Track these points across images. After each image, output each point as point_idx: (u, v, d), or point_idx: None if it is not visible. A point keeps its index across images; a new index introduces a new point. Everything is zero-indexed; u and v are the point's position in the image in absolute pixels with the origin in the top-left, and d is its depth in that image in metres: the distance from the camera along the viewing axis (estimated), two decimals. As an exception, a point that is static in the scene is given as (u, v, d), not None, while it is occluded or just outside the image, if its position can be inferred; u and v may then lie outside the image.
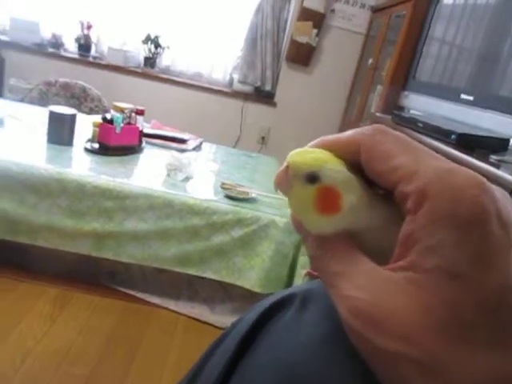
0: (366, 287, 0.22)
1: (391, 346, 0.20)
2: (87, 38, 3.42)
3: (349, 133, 0.26)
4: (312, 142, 0.27)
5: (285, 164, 0.25)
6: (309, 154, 0.25)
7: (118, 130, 1.93)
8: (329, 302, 0.25)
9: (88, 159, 1.93)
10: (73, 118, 1.95)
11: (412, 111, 2.45)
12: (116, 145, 1.97)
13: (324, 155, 0.26)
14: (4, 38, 3.31)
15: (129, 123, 2.01)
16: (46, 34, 3.40)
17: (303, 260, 1.74)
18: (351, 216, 0.25)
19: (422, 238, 0.21)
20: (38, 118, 2.17)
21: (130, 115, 2.01)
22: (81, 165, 1.87)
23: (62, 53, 3.39)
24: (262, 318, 0.33)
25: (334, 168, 0.25)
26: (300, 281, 1.73)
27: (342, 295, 0.22)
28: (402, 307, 0.20)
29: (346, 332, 0.23)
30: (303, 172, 0.25)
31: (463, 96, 1.96)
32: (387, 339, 0.20)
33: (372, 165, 0.24)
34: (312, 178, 0.25)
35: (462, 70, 2.12)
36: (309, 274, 0.35)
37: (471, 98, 1.91)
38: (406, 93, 2.54)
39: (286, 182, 0.25)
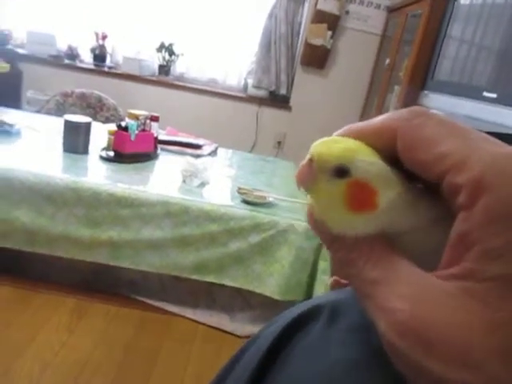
0: (413, 298, 0.18)
1: (450, 372, 0.16)
2: (102, 48, 3.45)
3: (381, 117, 0.22)
4: (338, 131, 0.23)
5: (308, 156, 0.22)
6: (336, 144, 0.22)
7: (132, 138, 1.91)
8: (361, 316, 0.21)
9: (103, 167, 1.92)
10: (88, 126, 1.94)
11: (433, 111, 2.39)
12: (131, 152, 1.96)
13: (354, 145, 0.22)
14: (21, 51, 3.36)
15: (143, 130, 2.00)
16: (61, 45, 3.43)
17: (324, 265, 1.69)
18: (389, 215, 0.21)
19: (481, 240, 0.17)
20: (54, 128, 2.17)
21: (145, 122, 2.00)
22: (96, 173, 1.86)
23: (78, 64, 3.42)
24: (286, 332, 0.29)
25: (366, 159, 0.21)
26: (321, 287, 1.67)
27: (382, 307, 0.18)
28: (459, 325, 0.17)
29: (383, 356, 0.19)
30: (331, 165, 0.21)
31: (486, 94, 1.89)
32: (444, 364, 0.16)
33: (412, 154, 0.20)
34: (341, 171, 0.21)
35: (483, 67, 2.06)
36: (335, 284, 0.30)
37: (494, 95, 1.85)
38: (426, 92, 2.48)
39: (310, 176, 0.21)
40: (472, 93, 1.99)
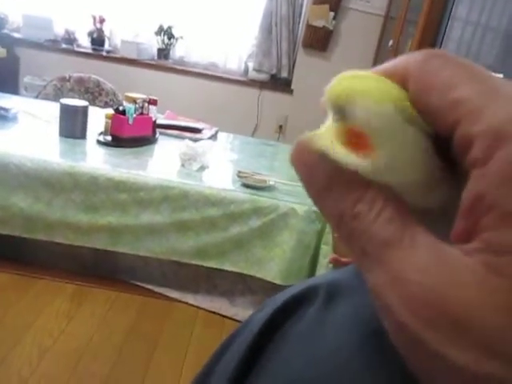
0: (433, 269, 0.14)
1: (474, 362, 0.14)
2: (100, 32, 3.39)
3: (398, 59, 0.19)
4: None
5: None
6: (351, 80, 0.19)
7: (130, 121, 1.88)
8: (361, 297, 0.18)
9: (101, 152, 1.89)
10: (85, 109, 1.91)
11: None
12: (129, 136, 1.92)
13: (374, 84, 0.18)
14: (17, 35, 3.30)
15: (141, 113, 1.96)
16: (58, 30, 3.38)
17: (325, 249, 1.67)
18: (392, 175, 0.18)
19: (500, 202, 0.14)
20: (51, 113, 2.14)
21: (143, 105, 1.96)
22: (94, 158, 1.84)
23: (76, 48, 3.37)
24: (278, 315, 0.26)
25: (371, 107, 0.18)
26: (323, 271, 1.65)
27: (393, 277, 0.15)
28: (484, 305, 0.14)
29: (387, 341, 0.16)
30: (331, 103, 0.18)
31: (492, 74, 1.85)
32: (466, 352, 0.14)
33: (424, 98, 0.17)
34: (338, 112, 0.18)
35: (489, 48, 2.01)
36: (334, 261, 0.27)
37: (501, 75, 1.81)
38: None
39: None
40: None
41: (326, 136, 0.18)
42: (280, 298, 0.29)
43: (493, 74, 0.17)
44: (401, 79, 0.18)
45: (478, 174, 0.15)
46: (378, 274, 0.16)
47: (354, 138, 0.17)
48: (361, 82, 0.18)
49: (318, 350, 0.23)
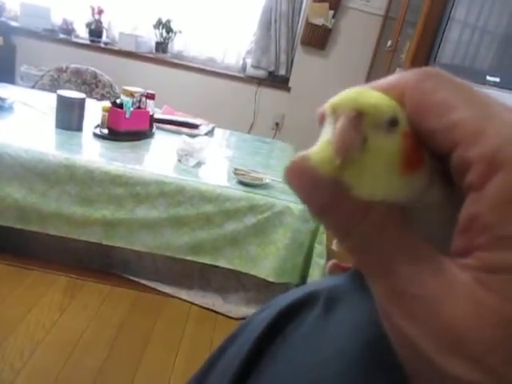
0: (431, 283, 0.15)
1: (458, 369, 0.15)
2: (98, 23, 3.36)
3: (391, 77, 0.19)
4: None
5: (351, 113, 0.17)
6: (373, 93, 0.18)
7: (127, 115, 1.87)
8: (360, 305, 0.19)
9: (97, 145, 1.88)
10: (82, 102, 1.90)
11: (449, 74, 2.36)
12: (126, 130, 1.92)
13: (381, 93, 0.18)
14: (15, 24, 3.27)
15: (139, 107, 1.95)
16: (56, 19, 3.35)
17: (319, 249, 1.68)
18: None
19: (494, 225, 0.15)
20: (47, 104, 2.12)
21: (140, 99, 1.95)
22: (90, 151, 1.83)
23: (73, 39, 3.34)
24: (278, 320, 0.27)
25: (400, 109, 0.18)
26: (316, 270, 1.66)
27: (393, 289, 0.16)
28: (474, 318, 0.15)
29: (384, 349, 0.17)
30: (388, 116, 0.17)
31: (489, 78, 1.86)
32: (454, 359, 0.15)
33: (420, 119, 0.17)
34: (395, 122, 0.17)
35: (486, 50, 2.02)
36: (333, 267, 0.28)
37: (497, 79, 1.82)
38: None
39: (359, 137, 0.17)
40: (475, 77, 1.95)
41: (323, 155, 0.17)
42: (282, 301, 0.29)
43: (488, 93, 0.18)
44: (398, 98, 0.18)
45: (474, 198, 0.16)
46: (379, 286, 0.17)
47: (412, 143, 0.18)
48: (379, 93, 0.18)
49: (318, 354, 0.24)
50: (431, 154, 0.18)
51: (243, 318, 1.74)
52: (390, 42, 2.97)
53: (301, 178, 0.17)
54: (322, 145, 0.18)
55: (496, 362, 0.14)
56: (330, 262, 0.28)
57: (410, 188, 0.18)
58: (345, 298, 0.26)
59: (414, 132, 0.18)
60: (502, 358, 0.14)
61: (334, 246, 0.22)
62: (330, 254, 1.67)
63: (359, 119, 0.17)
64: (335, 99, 0.18)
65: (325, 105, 0.19)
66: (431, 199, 0.18)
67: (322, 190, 0.17)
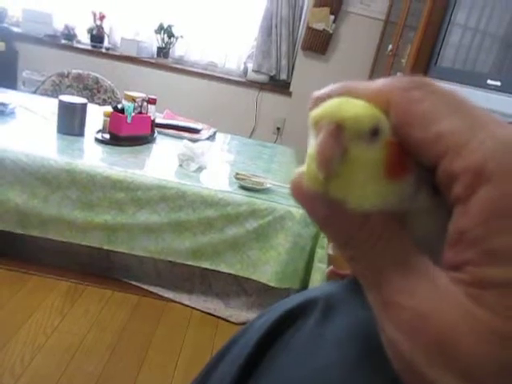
0: (425, 296, 0.15)
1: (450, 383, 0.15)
2: (100, 28, 3.38)
3: (378, 83, 0.19)
4: (332, 86, 0.20)
5: (330, 126, 0.17)
6: (354, 103, 0.18)
7: (129, 120, 1.88)
8: (357, 313, 0.19)
9: (99, 150, 1.88)
10: (83, 107, 1.90)
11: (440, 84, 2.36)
12: (127, 135, 1.92)
13: (365, 103, 0.18)
14: (17, 29, 3.29)
15: (140, 112, 1.96)
16: (58, 25, 3.36)
17: (321, 253, 1.67)
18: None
19: (481, 239, 0.15)
20: (49, 108, 2.13)
21: (142, 104, 1.95)
22: (91, 155, 1.83)
23: (75, 44, 3.35)
24: (276, 326, 0.27)
25: (384, 118, 0.18)
26: (318, 275, 1.66)
27: (388, 302, 0.16)
28: (467, 333, 0.15)
29: (381, 358, 0.17)
30: (368, 126, 0.17)
31: (490, 81, 1.86)
32: (446, 374, 0.15)
33: (406, 130, 0.17)
34: (376, 132, 0.17)
35: (487, 54, 2.02)
36: (332, 274, 0.28)
37: (498, 83, 1.81)
38: (424, 76, 2.44)
39: (340, 148, 0.17)
40: (476, 80, 1.95)
41: (309, 170, 0.18)
42: (279, 308, 0.29)
43: (475, 104, 0.18)
44: (383, 105, 0.18)
45: (460, 211, 0.16)
46: (374, 297, 0.17)
47: (396, 151, 0.18)
48: (362, 103, 0.18)
49: (316, 361, 0.23)
50: (418, 162, 0.18)
51: (244, 323, 1.73)
52: (390, 47, 2.98)
53: (298, 195, 0.18)
54: (307, 160, 0.18)
55: (486, 376, 0.14)
56: (328, 269, 0.28)
57: (396, 196, 0.18)
58: (342, 306, 0.26)
59: (399, 141, 0.18)
60: (492, 372, 0.14)
61: (330, 250, 0.22)
62: (329, 261, 1.67)
63: (339, 131, 0.17)
64: (317, 111, 0.18)
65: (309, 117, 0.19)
66: (419, 206, 0.18)
67: (317, 205, 0.18)
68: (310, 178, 0.18)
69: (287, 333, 0.26)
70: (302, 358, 0.24)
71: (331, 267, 0.27)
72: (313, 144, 0.18)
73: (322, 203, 0.18)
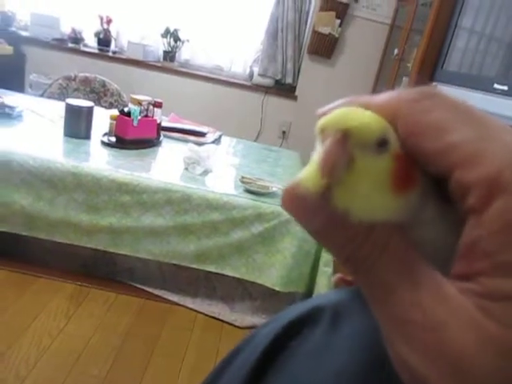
0: (433, 310, 0.15)
1: None
2: (107, 32, 3.40)
3: (386, 95, 0.18)
4: (338, 102, 0.20)
5: (336, 134, 0.17)
6: (363, 113, 0.18)
7: (135, 123, 1.88)
8: (366, 322, 0.18)
9: (105, 152, 1.89)
10: (90, 110, 1.91)
11: (447, 93, 2.35)
12: (133, 138, 1.93)
13: (373, 113, 0.18)
14: (25, 33, 3.31)
15: (146, 116, 1.96)
16: (66, 29, 3.39)
17: (326, 257, 1.67)
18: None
19: (495, 251, 0.15)
20: (56, 112, 2.14)
21: (148, 108, 1.96)
22: (97, 158, 1.84)
23: (82, 48, 3.37)
24: (283, 335, 0.26)
25: (391, 129, 0.18)
26: (323, 279, 1.65)
27: (394, 316, 0.16)
28: (475, 346, 0.14)
29: (390, 368, 0.16)
30: (375, 137, 0.17)
31: (497, 86, 1.85)
32: None
33: (416, 141, 0.17)
34: (384, 143, 0.17)
35: (494, 58, 2.01)
36: (339, 281, 0.27)
37: (505, 87, 1.80)
38: (435, 84, 2.43)
39: (345, 157, 0.17)
40: (482, 85, 1.94)
41: (311, 177, 0.17)
42: (286, 316, 0.28)
43: (487, 114, 0.17)
44: (389, 118, 0.18)
45: (474, 222, 0.15)
46: (380, 311, 0.16)
47: (404, 163, 0.17)
48: (370, 113, 0.18)
49: (324, 371, 0.23)
50: (426, 172, 0.18)
51: (249, 327, 1.72)
52: (396, 51, 2.98)
53: (293, 205, 0.17)
54: (310, 167, 0.17)
55: None
56: (336, 276, 0.27)
57: (403, 208, 0.17)
58: (350, 314, 0.26)
59: (406, 152, 0.17)
60: None
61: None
62: (336, 267, 1.66)
63: (346, 140, 0.17)
64: (324, 119, 0.18)
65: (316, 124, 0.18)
66: (426, 217, 0.18)
67: (314, 216, 0.17)
68: (310, 184, 0.17)
69: (294, 341, 0.26)
70: (310, 366, 0.24)
71: (339, 274, 0.27)
72: (318, 151, 0.18)
73: (320, 212, 0.17)
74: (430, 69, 2.49)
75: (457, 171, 0.16)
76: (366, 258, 0.17)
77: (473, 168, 0.15)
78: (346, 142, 0.17)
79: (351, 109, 0.18)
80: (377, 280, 0.16)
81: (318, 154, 0.18)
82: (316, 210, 0.17)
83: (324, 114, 0.19)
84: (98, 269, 1.87)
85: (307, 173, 0.17)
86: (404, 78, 2.80)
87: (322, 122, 0.18)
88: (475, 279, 0.15)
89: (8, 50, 3.12)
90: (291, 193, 0.17)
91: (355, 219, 0.17)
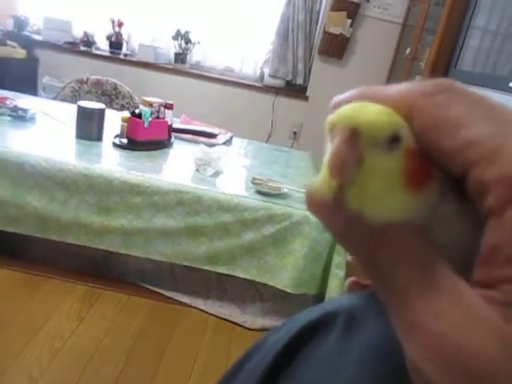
0: (453, 318, 0.14)
1: None
2: (118, 35, 3.42)
3: (400, 88, 0.17)
4: (352, 91, 0.19)
5: (345, 131, 0.16)
6: (373, 109, 0.17)
7: (146, 125, 1.89)
8: (380, 328, 0.17)
9: (116, 154, 1.90)
10: (101, 112, 1.92)
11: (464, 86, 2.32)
12: (144, 139, 1.93)
13: (385, 108, 0.17)
14: (37, 37, 3.35)
15: (157, 117, 1.97)
16: (78, 32, 3.42)
17: (338, 259, 1.65)
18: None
19: None
20: (68, 114, 2.16)
21: (159, 109, 1.97)
22: (109, 160, 1.84)
23: (94, 51, 3.40)
24: (295, 340, 0.25)
25: (405, 124, 0.17)
26: (335, 281, 1.63)
27: (412, 323, 0.15)
28: (500, 359, 0.13)
29: (405, 377, 0.16)
30: (386, 134, 0.16)
31: (512, 84, 1.82)
32: None
33: (432, 138, 0.16)
34: (395, 140, 0.16)
35: (508, 57, 1.98)
36: (353, 285, 0.26)
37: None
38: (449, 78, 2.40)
39: (355, 156, 0.16)
40: (497, 83, 1.91)
41: (323, 179, 0.16)
42: (298, 321, 0.28)
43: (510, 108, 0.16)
44: (405, 111, 0.17)
45: (494, 225, 0.14)
46: (397, 317, 0.15)
47: (417, 160, 0.17)
48: (383, 108, 0.17)
49: (338, 378, 0.22)
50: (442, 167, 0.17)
51: (260, 330, 1.71)
52: (408, 50, 2.95)
53: (312, 206, 0.17)
54: (322, 167, 0.17)
55: None
56: (349, 279, 0.26)
57: (420, 205, 0.17)
58: (364, 320, 0.25)
59: (421, 148, 0.16)
60: None
61: (349, 257, 0.21)
62: (349, 270, 1.64)
63: (355, 138, 0.16)
64: (333, 116, 0.17)
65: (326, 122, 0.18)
66: (445, 216, 0.17)
67: (332, 219, 0.17)
68: (323, 186, 0.16)
69: (307, 347, 0.25)
70: (324, 373, 0.23)
71: (352, 278, 0.26)
72: (328, 150, 0.17)
73: (338, 214, 0.16)
74: (444, 68, 2.46)
75: (474, 169, 0.15)
76: (384, 260, 0.16)
77: (491, 166, 0.14)
78: (355, 140, 0.16)
79: (361, 104, 0.17)
80: (395, 284, 0.15)
81: (327, 153, 0.17)
82: (332, 213, 0.16)
83: (337, 104, 0.18)
84: (109, 270, 1.88)
85: (321, 175, 0.17)
86: (417, 77, 2.77)
87: (330, 119, 0.17)
88: (498, 287, 0.14)
89: (21, 53, 3.15)
90: (310, 196, 0.17)
91: (370, 220, 0.16)
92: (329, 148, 0.17)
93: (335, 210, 0.16)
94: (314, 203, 0.17)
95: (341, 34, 3.23)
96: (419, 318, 0.14)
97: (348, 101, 0.18)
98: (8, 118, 2.01)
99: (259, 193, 1.75)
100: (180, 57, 3.44)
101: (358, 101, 0.18)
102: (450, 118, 0.16)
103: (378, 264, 0.16)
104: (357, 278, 0.26)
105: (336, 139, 0.16)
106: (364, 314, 0.25)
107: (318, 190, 0.17)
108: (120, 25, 3.39)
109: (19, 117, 2.02)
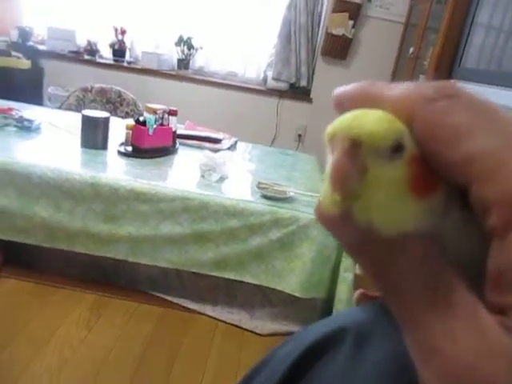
0: (470, 342, 0.13)
1: None
2: (121, 43, 3.44)
3: (401, 88, 0.17)
4: (354, 86, 0.18)
5: (345, 142, 0.16)
6: (372, 116, 0.16)
7: (150, 132, 1.89)
8: (393, 346, 0.17)
9: (122, 162, 1.90)
10: (106, 121, 1.93)
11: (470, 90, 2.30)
12: (149, 147, 1.94)
13: (385, 114, 0.17)
14: (42, 47, 3.38)
15: (162, 124, 1.97)
16: (81, 41, 3.44)
17: (346, 263, 1.64)
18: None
19: None
20: (73, 123, 2.17)
21: (163, 116, 1.97)
22: (114, 168, 1.85)
23: (98, 59, 3.42)
24: (305, 357, 0.25)
25: (407, 130, 0.16)
26: (343, 285, 1.62)
27: (427, 345, 0.14)
28: None
29: None
30: (389, 143, 0.16)
31: (518, 81, 1.80)
32: None
33: (432, 148, 0.15)
34: (398, 148, 0.16)
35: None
36: (361, 298, 0.25)
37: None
38: (453, 81, 2.38)
39: (358, 167, 0.15)
40: (502, 80, 1.90)
41: (327, 193, 0.16)
42: (308, 336, 0.27)
43: None
44: (406, 115, 0.16)
45: (498, 246, 0.14)
46: (411, 337, 0.15)
47: (421, 167, 0.16)
48: (385, 115, 0.16)
49: None
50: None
51: (269, 335, 1.71)
52: (412, 49, 2.93)
53: (321, 221, 0.16)
54: (325, 180, 0.16)
55: None
56: (357, 292, 0.26)
57: (427, 213, 0.16)
58: (375, 335, 0.24)
59: (424, 154, 0.16)
60: None
61: (358, 270, 0.20)
62: (357, 283, 1.61)
63: (356, 149, 0.15)
64: (332, 126, 0.17)
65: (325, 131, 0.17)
66: (452, 222, 0.17)
67: (340, 233, 0.16)
68: (327, 200, 0.16)
69: (316, 365, 0.25)
70: None
71: (360, 290, 0.25)
72: (329, 162, 0.16)
73: (346, 227, 0.16)
74: (448, 66, 2.44)
75: (476, 185, 0.14)
76: (397, 275, 0.15)
77: (493, 184, 0.14)
78: (356, 150, 0.15)
79: (361, 112, 0.17)
80: (408, 301, 0.15)
81: (328, 166, 0.16)
82: (341, 226, 0.16)
83: (339, 99, 0.17)
84: (118, 278, 1.88)
85: (325, 187, 0.16)
86: (421, 76, 2.76)
87: (329, 129, 0.17)
88: (509, 314, 0.13)
89: (26, 64, 3.18)
90: (318, 210, 0.16)
91: (380, 231, 0.16)
92: (329, 160, 0.17)
93: (343, 223, 0.16)
94: (323, 217, 0.16)
95: (343, 35, 3.22)
96: (434, 340, 0.14)
97: (349, 95, 0.17)
98: (14, 129, 2.02)
99: (265, 197, 1.74)
100: (183, 63, 3.45)
101: (358, 100, 0.17)
102: (450, 128, 0.15)
103: (390, 280, 0.15)
104: (364, 290, 0.26)
105: (336, 151, 0.16)
106: (373, 331, 0.25)
107: (324, 203, 0.16)
108: (123, 33, 3.41)
109: (25, 127, 2.03)
